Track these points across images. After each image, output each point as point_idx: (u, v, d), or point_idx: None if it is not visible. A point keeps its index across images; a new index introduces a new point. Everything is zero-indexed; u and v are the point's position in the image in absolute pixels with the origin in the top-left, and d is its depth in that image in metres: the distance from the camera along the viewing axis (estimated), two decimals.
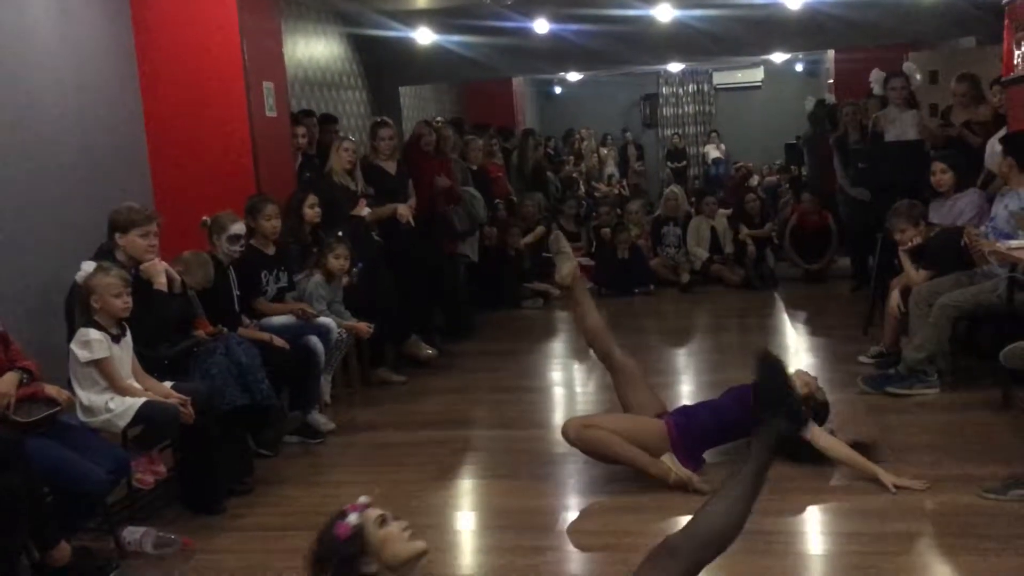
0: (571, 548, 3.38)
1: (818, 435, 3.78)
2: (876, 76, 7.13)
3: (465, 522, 3.86)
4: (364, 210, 5.91)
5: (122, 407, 3.60)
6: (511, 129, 11.29)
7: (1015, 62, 5.91)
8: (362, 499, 2.34)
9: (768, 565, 3.12)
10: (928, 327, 4.83)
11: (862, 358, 5.57)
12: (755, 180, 13.17)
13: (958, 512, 3.40)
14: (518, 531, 3.54)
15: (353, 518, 2.29)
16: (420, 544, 2.33)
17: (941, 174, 5.50)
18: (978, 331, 5.01)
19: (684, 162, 16.01)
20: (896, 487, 3.59)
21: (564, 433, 3.88)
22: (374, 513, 2.32)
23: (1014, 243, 4.60)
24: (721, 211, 9.20)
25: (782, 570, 3.10)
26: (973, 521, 3.31)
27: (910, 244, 5.31)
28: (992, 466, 3.68)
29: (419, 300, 6.40)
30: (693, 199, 9.74)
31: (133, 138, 5.40)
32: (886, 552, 3.14)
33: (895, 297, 5.29)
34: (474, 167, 8.21)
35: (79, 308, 3.69)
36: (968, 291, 4.79)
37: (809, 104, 10.76)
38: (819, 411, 4.03)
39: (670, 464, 3.75)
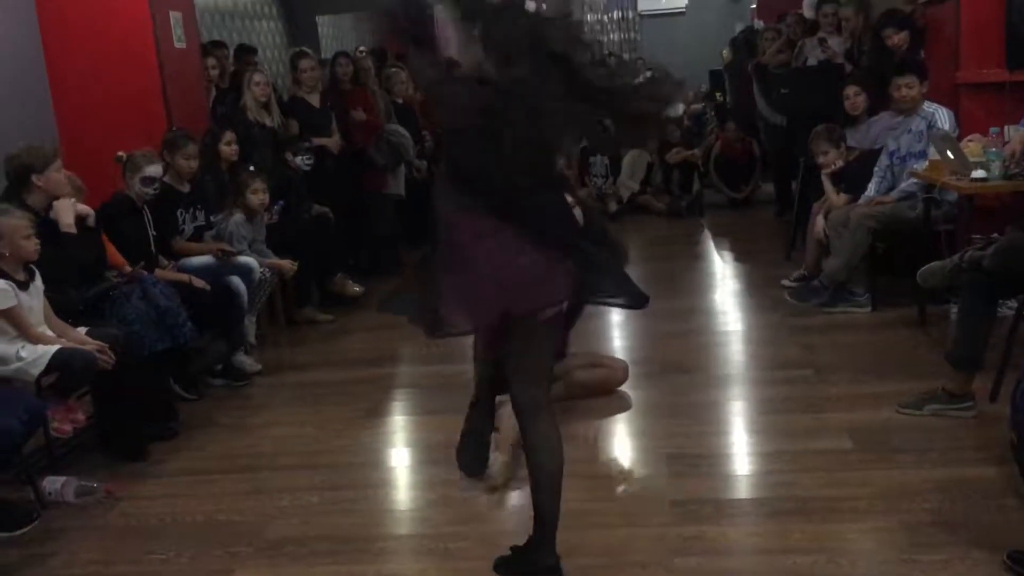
0: None
1: None
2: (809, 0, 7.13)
3: (398, 458, 3.84)
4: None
5: (34, 355, 3.47)
6: None
7: None
8: None
9: (695, 486, 3.18)
10: (847, 239, 4.91)
11: (785, 282, 5.66)
12: (680, 108, 13.14)
13: (876, 428, 3.49)
14: (451, 465, 3.52)
15: None
16: None
17: (855, 97, 5.54)
18: (896, 251, 5.12)
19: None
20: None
21: None
22: None
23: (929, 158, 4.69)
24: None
25: (710, 490, 3.16)
26: (890, 436, 3.42)
27: (832, 167, 5.38)
28: (909, 382, 3.78)
29: (344, 237, 6.28)
30: None
31: (33, 72, 5.11)
32: (807, 469, 3.21)
33: (819, 222, 5.35)
34: (399, 100, 8.01)
35: None
36: (885, 205, 4.89)
37: (739, 28, 10.74)
38: None
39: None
